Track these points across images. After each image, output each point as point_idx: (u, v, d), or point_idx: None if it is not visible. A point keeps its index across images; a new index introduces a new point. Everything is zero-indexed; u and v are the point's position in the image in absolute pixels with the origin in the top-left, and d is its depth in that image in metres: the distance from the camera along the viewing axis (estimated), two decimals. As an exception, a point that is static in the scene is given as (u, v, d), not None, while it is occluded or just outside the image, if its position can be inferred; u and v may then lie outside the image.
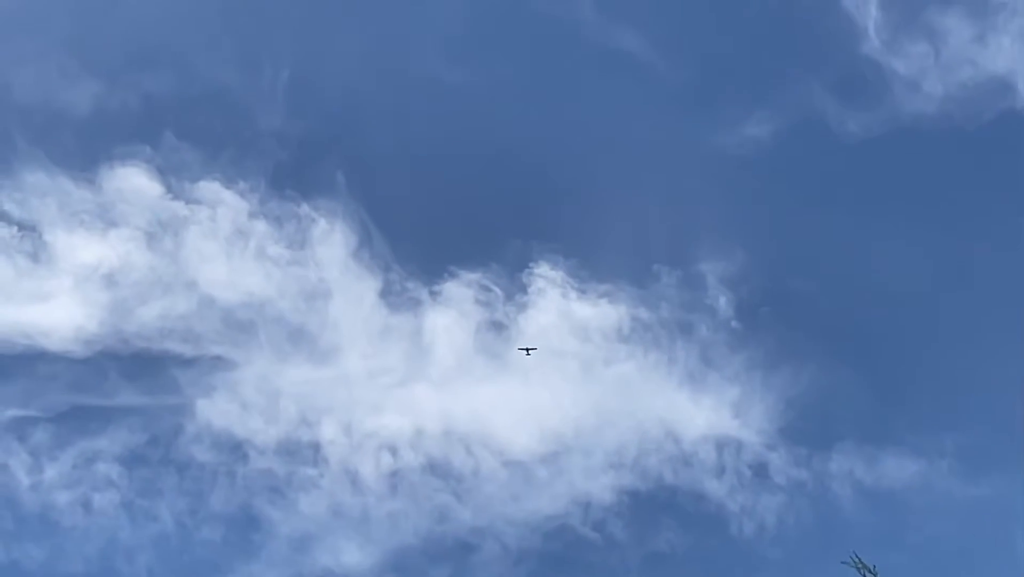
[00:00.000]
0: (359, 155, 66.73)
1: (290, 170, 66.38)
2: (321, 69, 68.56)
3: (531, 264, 65.61)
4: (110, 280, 63.78)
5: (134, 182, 65.16)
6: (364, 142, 67.32)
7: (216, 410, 62.24)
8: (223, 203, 65.36)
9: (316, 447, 62.27)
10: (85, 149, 65.55)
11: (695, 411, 63.48)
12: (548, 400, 63.77)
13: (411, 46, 69.58)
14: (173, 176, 65.51)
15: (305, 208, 65.59)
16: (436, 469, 62.43)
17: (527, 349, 65.00)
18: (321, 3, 70.03)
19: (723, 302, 65.10)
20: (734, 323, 64.90)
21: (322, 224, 65.37)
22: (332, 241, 65.19)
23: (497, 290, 65.41)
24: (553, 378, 64.24)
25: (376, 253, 65.19)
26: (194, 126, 66.48)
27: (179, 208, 65.14)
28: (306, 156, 66.77)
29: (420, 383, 63.85)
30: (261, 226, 65.28)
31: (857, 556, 22.96)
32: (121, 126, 66.42)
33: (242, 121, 67.11)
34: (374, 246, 65.25)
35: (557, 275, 65.46)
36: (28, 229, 64.06)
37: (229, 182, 65.62)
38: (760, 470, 62.56)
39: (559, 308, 65.11)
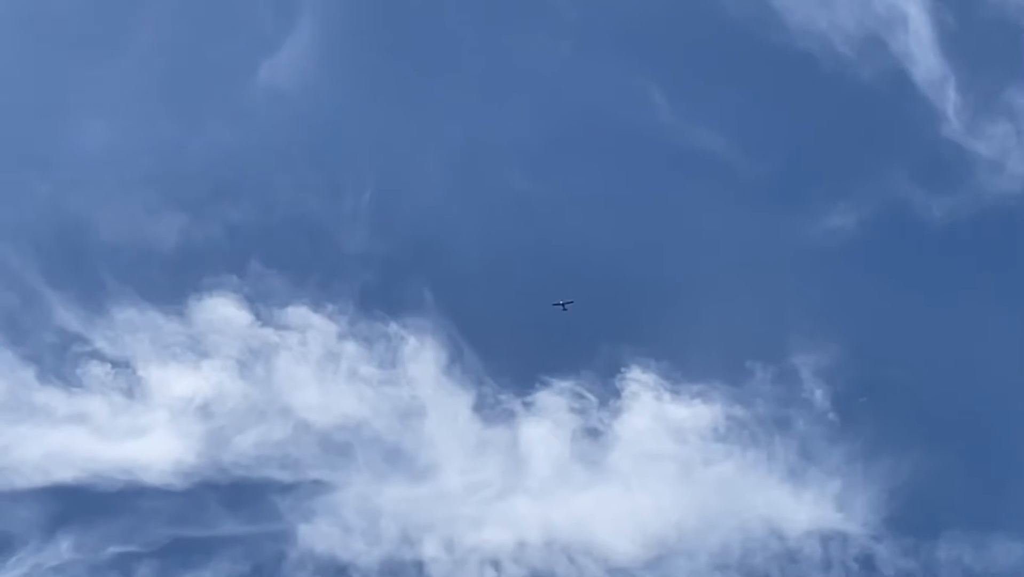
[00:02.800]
0: (445, 271, 67.26)
1: (377, 290, 66.95)
2: (402, 187, 69.22)
3: (623, 368, 65.86)
4: (205, 411, 64.31)
5: (223, 312, 65.88)
6: (449, 257, 67.80)
7: (317, 534, 62.35)
8: (312, 327, 65.94)
9: (419, 565, 62.17)
10: (173, 282, 66.52)
11: (797, 506, 63.09)
12: (648, 504, 63.45)
13: (491, 159, 70.46)
14: (261, 303, 66.34)
15: (394, 327, 66.09)
16: (541, 581, 62.28)
17: (563, 304, 65.21)
18: (399, 123, 70.77)
19: (819, 395, 64.95)
20: (831, 415, 64.67)
21: (412, 342, 65.79)
22: (423, 358, 65.48)
23: (590, 397, 65.55)
24: (652, 481, 63.95)
25: (467, 367, 65.53)
26: (279, 252, 67.33)
27: (269, 335, 65.74)
28: (392, 275, 67.23)
29: (519, 494, 63.76)
30: (351, 347, 65.69)
31: None
32: (207, 257, 67.39)
33: (327, 244, 67.96)
34: (465, 360, 65.60)
35: (649, 378, 65.53)
36: (122, 366, 64.87)
37: (317, 306, 66.30)
38: (867, 562, 62.14)
39: (653, 411, 65.03)
